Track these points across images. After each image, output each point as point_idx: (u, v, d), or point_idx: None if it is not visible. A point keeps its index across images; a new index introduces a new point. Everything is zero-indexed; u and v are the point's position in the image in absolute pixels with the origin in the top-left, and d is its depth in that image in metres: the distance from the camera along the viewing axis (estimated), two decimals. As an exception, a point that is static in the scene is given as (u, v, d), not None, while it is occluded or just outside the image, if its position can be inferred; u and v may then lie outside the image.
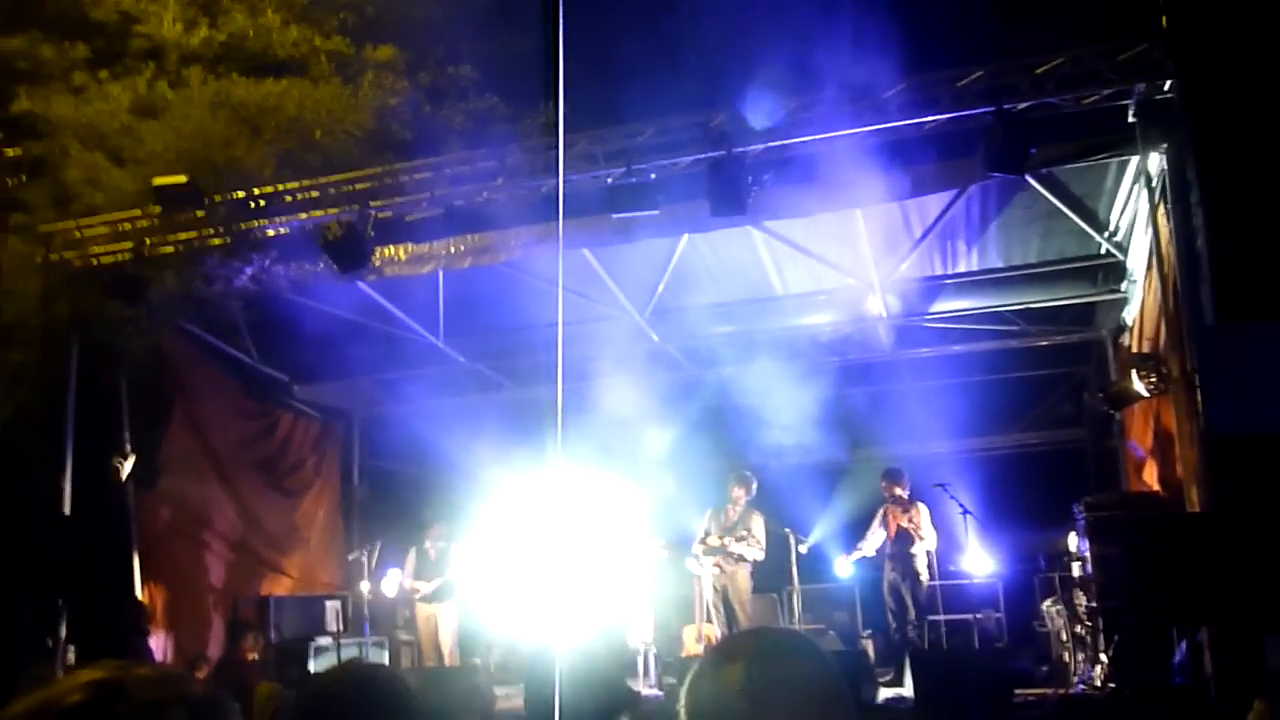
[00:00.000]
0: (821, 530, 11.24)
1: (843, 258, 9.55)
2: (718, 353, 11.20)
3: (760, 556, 9.63)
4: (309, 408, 12.47)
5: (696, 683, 1.38)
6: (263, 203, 8.71)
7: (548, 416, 12.44)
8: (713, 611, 9.66)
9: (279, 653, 9.94)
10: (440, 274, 9.93)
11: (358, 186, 8.50)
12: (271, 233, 8.85)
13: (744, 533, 9.60)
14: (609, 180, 7.94)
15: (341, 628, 11.22)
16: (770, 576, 10.15)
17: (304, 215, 8.61)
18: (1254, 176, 6.43)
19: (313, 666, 9.79)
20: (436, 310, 10.47)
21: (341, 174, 8.69)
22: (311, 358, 11.53)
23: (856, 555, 9.99)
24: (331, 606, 11.30)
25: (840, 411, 11.41)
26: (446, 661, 9.92)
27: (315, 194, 8.64)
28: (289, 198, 8.69)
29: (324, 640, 10.27)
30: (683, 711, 1.40)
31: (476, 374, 11.85)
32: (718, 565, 9.61)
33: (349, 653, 10.15)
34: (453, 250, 8.89)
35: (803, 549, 10.45)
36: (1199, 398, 7.15)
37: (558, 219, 8.19)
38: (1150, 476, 8.99)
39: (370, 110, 9.70)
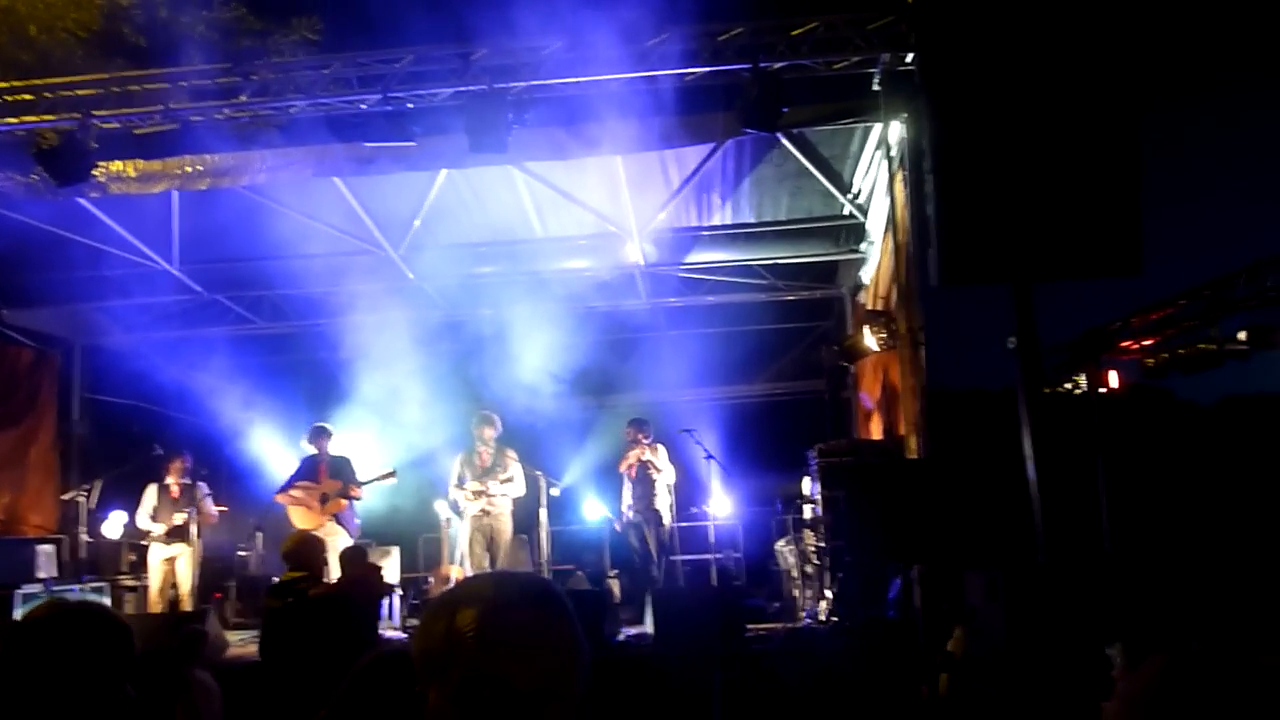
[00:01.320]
0: (574, 474, 11.41)
1: (603, 204, 9.59)
2: (474, 293, 11.04)
3: (523, 491, 9.67)
4: (19, 334, 11.32)
5: (430, 624, 1.34)
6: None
7: (296, 352, 11.99)
8: (467, 555, 9.60)
9: (-24, 601, 9.06)
10: (175, 196, 9.22)
11: (80, 93, 7.70)
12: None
13: (503, 473, 9.56)
14: (363, 107, 7.57)
15: (55, 573, 10.38)
16: (520, 519, 10.19)
17: (14, 120, 7.72)
18: (982, 150, 6.89)
19: (19, 615, 9.01)
20: (171, 235, 9.73)
21: (62, 78, 7.84)
22: (23, 280, 10.48)
23: (624, 501, 10.13)
24: (44, 551, 10.40)
25: (595, 357, 11.54)
26: (183, 606, 9.36)
27: (29, 97, 7.76)
28: (-3, 99, 7.77)
29: (33, 587, 9.45)
30: (415, 653, 1.36)
31: (216, 305, 11.14)
32: (484, 510, 9.52)
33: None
34: (189, 170, 8.24)
35: (555, 492, 10.56)
36: (923, 354, 7.71)
37: (307, 144, 7.76)
38: (877, 426, 9.63)
39: (97, 9, 8.78)
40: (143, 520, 9.44)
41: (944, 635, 6.70)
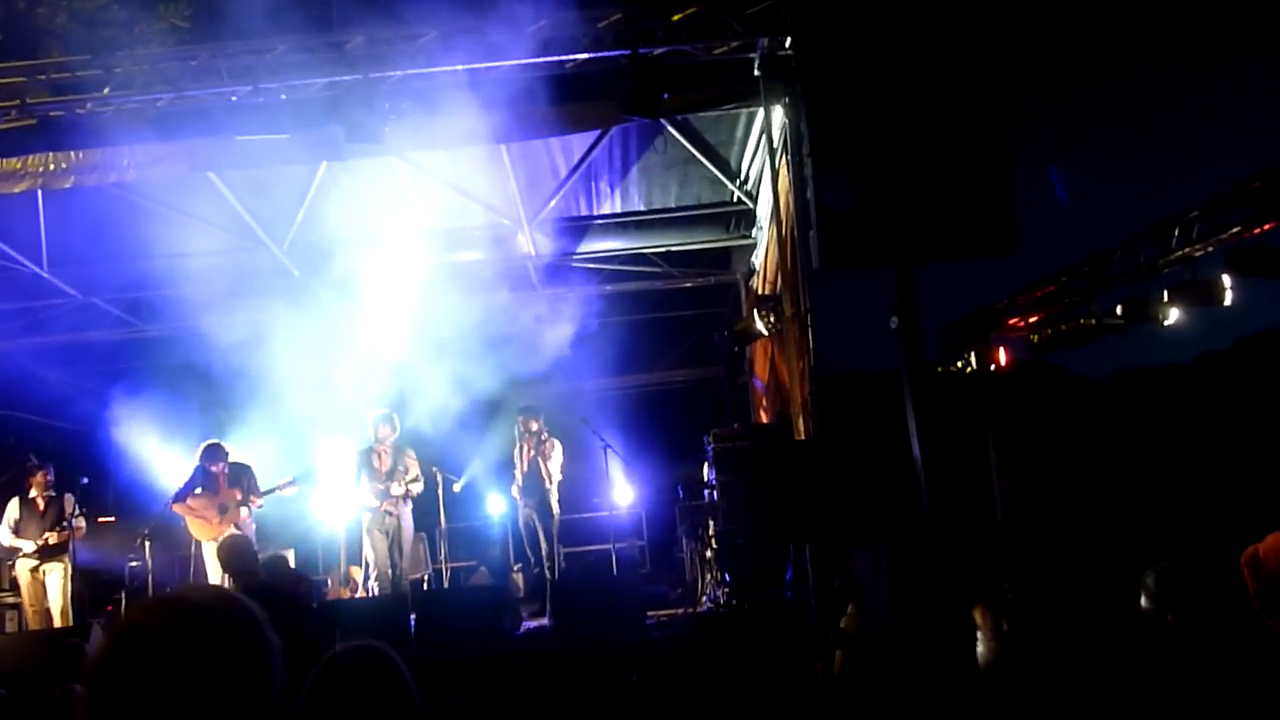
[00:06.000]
0: (474, 468, 11.28)
1: (490, 195, 9.47)
2: (362, 289, 10.81)
3: (421, 488, 9.55)
4: (-119, 345, 10.76)
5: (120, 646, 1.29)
6: None
7: (180, 355, 11.61)
8: (368, 554, 9.44)
9: None
10: (40, 195, 8.84)
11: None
12: None
13: (404, 474, 9.41)
14: (233, 99, 7.34)
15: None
16: (419, 516, 10.04)
17: None
18: (857, 133, 6.97)
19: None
20: (39, 236, 9.33)
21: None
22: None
23: (514, 493, 10.07)
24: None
25: (490, 350, 11.40)
26: (57, 623, 8.98)
27: None
28: None
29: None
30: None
31: (93, 308, 10.72)
32: (385, 510, 9.35)
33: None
34: (52, 168, 7.89)
35: (457, 488, 10.46)
36: (810, 337, 7.79)
37: (176, 138, 7.49)
38: (768, 410, 9.72)
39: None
40: (4, 535, 9.03)
41: (837, 613, 6.80)
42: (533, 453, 9.72)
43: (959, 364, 10.03)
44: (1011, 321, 9.39)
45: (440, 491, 10.00)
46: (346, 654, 2.25)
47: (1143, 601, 3.17)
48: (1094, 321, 8.89)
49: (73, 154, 7.87)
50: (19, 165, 7.90)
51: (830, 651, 6.54)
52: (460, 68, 7.31)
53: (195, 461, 9.32)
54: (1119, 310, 8.75)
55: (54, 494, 9.24)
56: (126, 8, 9.43)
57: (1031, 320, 9.35)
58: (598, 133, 8.51)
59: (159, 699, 1.27)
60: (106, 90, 7.35)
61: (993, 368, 9.49)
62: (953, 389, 9.69)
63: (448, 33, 7.24)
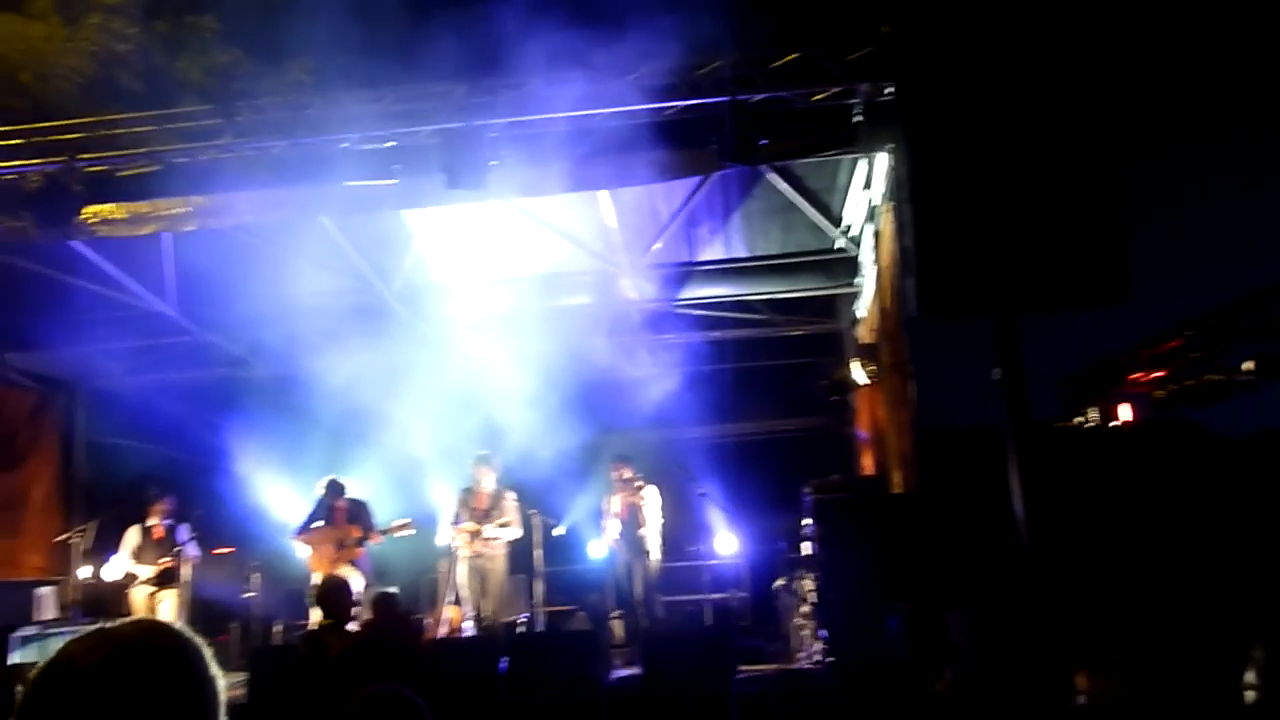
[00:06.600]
0: (576, 513, 11.28)
1: (593, 240, 9.56)
2: (469, 330, 11.00)
3: (519, 534, 9.58)
4: (24, 377, 11.43)
5: None
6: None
7: (293, 394, 12.00)
8: (464, 594, 9.50)
9: (-33, 645, 9.04)
10: (170, 238, 9.29)
11: (66, 136, 7.79)
12: (-36, 183, 8.00)
13: (499, 516, 9.47)
14: (343, 145, 7.60)
15: (56, 614, 10.39)
16: (517, 559, 10.08)
17: (3, 164, 7.82)
18: (960, 177, 6.80)
19: (16, 658, 8.98)
20: (164, 276, 9.81)
21: (48, 122, 7.94)
22: (26, 324, 10.59)
23: (607, 540, 10.04)
24: (43, 593, 10.43)
25: (592, 394, 11.44)
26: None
27: (17, 141, 7.87)
28: (-14, 145, 7.88)
29: (29, 629, 9.44)
30: None
31: (213, 346, 11.18)
32: (478, 552, 9.43)
33: (58, 642, 9.36)
34: (176, 211, 8.29)
35: (559, 532, 10.46)
36: (912, 387, 7.57)
37: (290, 184, 7.79)
38: (869, 461, 9.47)
39: (91, 55, 8.91)
40: (125, 561, 9.40)
41: (933, 675, 6.52)
42: (629, 500, 9.66)
43: (1078, 420, 9.61)
44: (1133, 376, 8.97)
45: (539, 535, 10.02)
46: (372, 698, 2.23)
47: (1249, 676, 2.94)
48: (1223, 377, 8.42)
49: (195, 198, 8.25)
50: (147, 209, 8.33)
51: (925, 716, 6.28)
52: (561, 115, 7.42)
53: (316, 495, 9.56)
54: (1249, 365, 8.26)
55: (172, 523, 9.61)
56: (257, 63, 9.96)
57: (1155, 376, 8.91)
58: (698, 179, 8.51)
59: None
60: (226, 138, 7.70)
61: (1113, 424, 9.05)
62: (1071, 446, 9.27)
63: (549, 81, 7.37)
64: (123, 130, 7.81)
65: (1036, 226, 6.87)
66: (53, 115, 8.35)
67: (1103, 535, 8.61)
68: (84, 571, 10.55)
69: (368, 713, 2.15)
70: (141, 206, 8.30)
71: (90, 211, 8.09)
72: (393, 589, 9.21)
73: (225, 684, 1.43)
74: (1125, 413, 9.30)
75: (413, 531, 9.60)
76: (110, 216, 8.36)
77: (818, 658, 8.38)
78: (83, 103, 8.86)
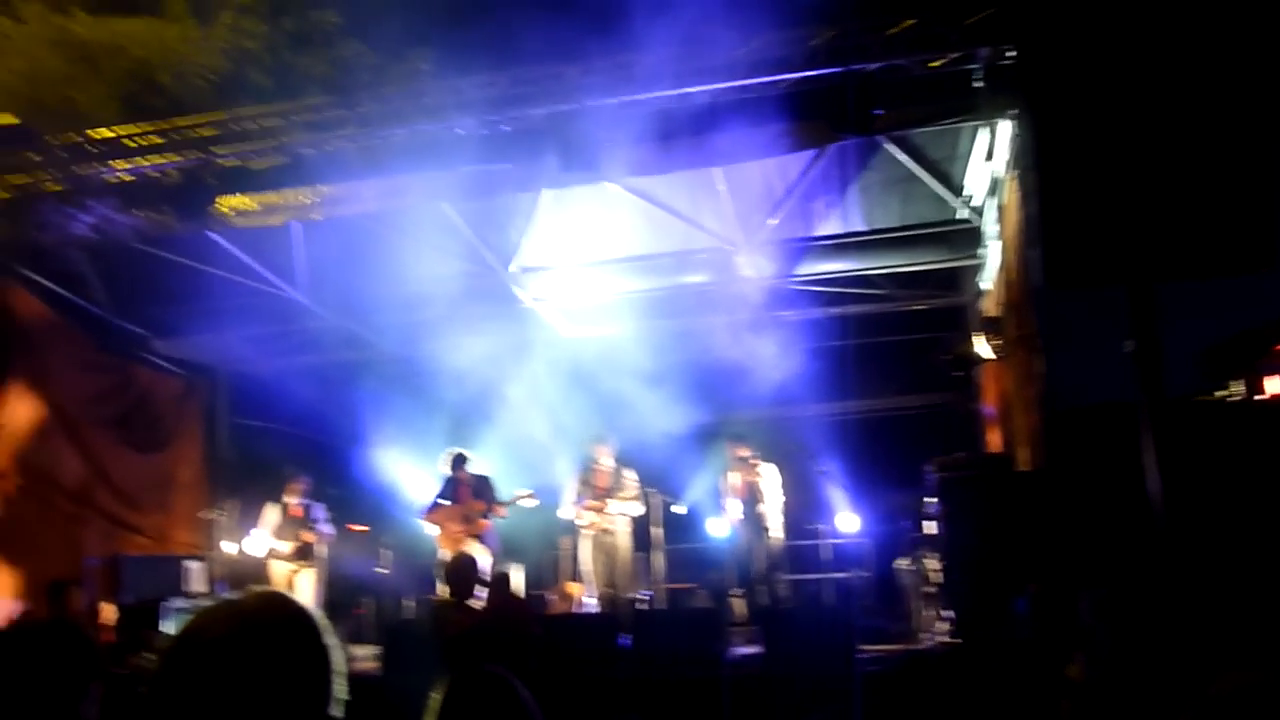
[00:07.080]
0: (695, 491, 11.30)
1: (708, 218, 9.51)
2: (586, 312, 11.11)
3: (642, 510, 9.65)
4: (171, 363, 12.05)
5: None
6: (102, 147, 8.31)
7: (418, 375, 12.35)
8: (586, 571, 9.64)
9: (127, 614, 9.63)
10: (300, 227, 9.64)
11: (201, 132, 8.16)
12: (112, 179, 8.46)
13: (621, 493, 9.57)
14: (459, 131, 7.74)
15: (205, 588, 10.96)
16: (637, 536, 10.16)
17: (144, 161, 8.24)
18: (1089, 141, 6.51)
19: (165, 628, 9.53)
20: (294, 264, 10.19)
21: (184, 118, 8.32)
22: (171, 312, 11.14)
23: (728, 519, 10.03)
24: (191, 567, 11.01)
25: (710, 373, 11.42)
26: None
27: (158, 139, 8.27)
28: (129, 142, 8.30)
29: (179, 601, 9.99)
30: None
31: (343, 331, 11.57)
32: (602, 530, 9.55)
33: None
34: (305, 201, 8.61)
35: (679, 509, 10.49)
36: (1041, 361, 7.30)
37: (410, 171, 7.98)
38: (995, 438, 9.20)
39: (223, 53, 9.27)
40: (264, 537, 9.84)
41: (1064, 659, 6.31)
42: (746, 478, 9.62)
43: (1221, 394, 9.14)
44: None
45: (660, 513, 10.07)
46: (468, 680, 2.27)
47: None
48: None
49: (322, 188, 8.54)
50: (278, 199, 8.67)
51: (1056, 701, 6.08)
52: (672, 92, 7.39)
53: (441, 470, 9.81)
54: None
55: (308, 502, 10.02)
56: (379, 54, 10.20)
57: (1307, 348, 8.40)
58: (814, 152, 8.36)
59: (215, 703, 1.31)
60: (349, 129, 7.93)
61: (1259, 398, 8.58)
62: (1213, 421, 8.82)
63: (660, 59, 7.34)
64: (253, 124, 8.12)
65: (1173, 189, 6.52)
66: (189, 113, 8.74)
67: (1246, 514, 8.18)
68: (228, 547, 11.09)
69: (460, 695, 2.18)
70: (272, 197, 8.64)
71: (225, 203, 8.47)
72: (509, 569, 9.42)
73: (344, 654, 1.49)
74: (1274, 385, 8.80)
75: (536, 502, 9.74)
76: (244, 208, 8.74)
77: (942, 639, 8.21)
78: (216, 99, 9.21)
